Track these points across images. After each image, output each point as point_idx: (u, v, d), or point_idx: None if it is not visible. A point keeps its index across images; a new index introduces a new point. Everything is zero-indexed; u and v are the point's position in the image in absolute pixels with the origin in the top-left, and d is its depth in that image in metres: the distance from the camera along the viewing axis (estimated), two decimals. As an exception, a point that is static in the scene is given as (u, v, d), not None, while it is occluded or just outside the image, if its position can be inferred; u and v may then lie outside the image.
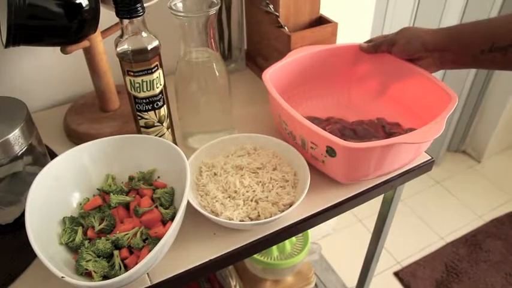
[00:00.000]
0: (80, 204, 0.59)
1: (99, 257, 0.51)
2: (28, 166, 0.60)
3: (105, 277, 0.50)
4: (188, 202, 0.55)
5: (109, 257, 0.52)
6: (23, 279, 0.55)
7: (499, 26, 0.60)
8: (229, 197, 0.60)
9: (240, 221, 0.57)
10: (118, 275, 0.46)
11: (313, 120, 0.78)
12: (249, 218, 0.58)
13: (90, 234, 0.55)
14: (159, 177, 0.62)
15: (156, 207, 0.57)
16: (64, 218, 0.56)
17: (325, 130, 0.60)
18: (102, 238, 0.53)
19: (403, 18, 1.46)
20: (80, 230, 0.54)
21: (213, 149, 0.67)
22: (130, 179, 0.62)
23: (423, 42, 0.67)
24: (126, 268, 0.51)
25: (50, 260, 0.45)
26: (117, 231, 0.54)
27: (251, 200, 0.60)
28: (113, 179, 0.62)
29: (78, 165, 0.60)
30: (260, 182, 0.62)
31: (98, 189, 0.61)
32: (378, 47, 0.73)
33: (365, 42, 0.76)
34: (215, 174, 0.64)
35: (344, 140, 0.57)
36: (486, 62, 0.61)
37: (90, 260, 0.50)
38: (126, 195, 0.59)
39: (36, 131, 0.61)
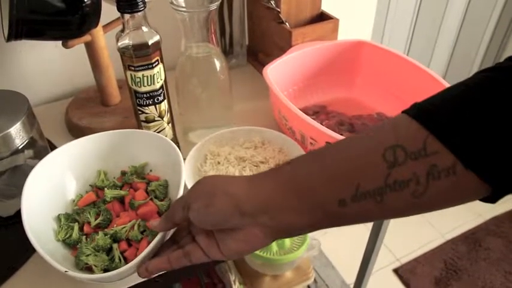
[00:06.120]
0: (74, 201, 0.59)
1: (98, 251, 0.52)
2: (29, 159, 0.60)
3: (106, 270, 0.50)
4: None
5: (108, 250, 0.52)
6: (24, 272, 0.55)
7: (363, 154, 0.34)
8: None
9: None
10: (119, 268, 0.46)
11: (313, 108, 0.78)
12: None
13: (86, 230, 0.55)
14: (151, 170, 0.63)
15: (151, 199, 0.58)
16: (59, 215, 0.56)
17: (322, 124, 0.60)
18: (100, 233, 0.53)
19: (406, 14, 1.46)
20: (76, 227, 0.54)
21: (221, 138, 0.68)
22: (123, 173, 0.62)
23: (235, 202, 0.38)
24: (126, 260, 0.51)
25: (51, 256, 0.46)
26: (114, 225, 0.54)
27: None
28: (105, 174, 0.62)
29: (70, 162, 0.59)
30: None
31: (90, 185, 0.61)
32: (171, 217, 0.44)
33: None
34: (218, 163, 0.65)
35: (340, 134, 0.57)
36: (352, 216, 0.35)
37: (90, 254, 0.51)
38: (120, 190, 0.60)
39: (37, 124, 0.61)
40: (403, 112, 0.33)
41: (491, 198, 0.31)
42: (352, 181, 0.33)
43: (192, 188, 0.43)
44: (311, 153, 0.38)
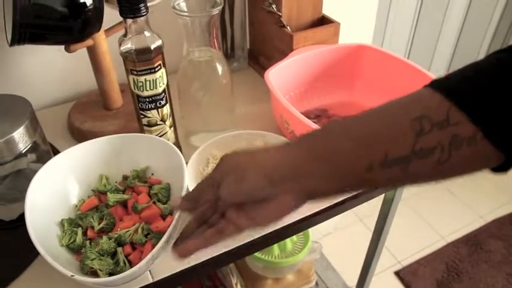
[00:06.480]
0: (76, 206, 0.59)
1: (103, 255, 0.52)
2: (32, 163, 0.61)
3: (111, 274, 0.51)
4: None
5: (113, 254, 0.53)
6: (27, 275, 0.56)
7: (387, 125, 0.36)
8: None
9: None
10: (124, 271, 0.46)
11: (315, 112, 0.78)
12: None
13: (90, 234, 0.55)
14: (152, 174, 0.63)
15: (154, 203, 0.58)
16: (62, 220, 0.56)
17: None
18: (104, 238, 0.53)
19: (406, 17, 1.46)
20: (79, 231, 0.55)
21: (223, 142, 0.68)
22: (125, 177, 0.63)
23: (265, 173, 0.39)
24: (131, 264, 0.52)
25: (56, 261, 0.46)
26: (118, 229, 0.54)
27: None
28: (107, 179, 0.62)
29: (72, 167, 0.60)
30: None
31: (92, 190, 0.61)
32: (197, 197, 0.44)
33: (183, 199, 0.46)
34: None
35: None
36: (378, 181, 0.37)
37: (95, 258, 0.51)
38: (123, 194, 0.60)
39: (40, 128, 0.62)
40: (424, 87, 0.35)
41: (505, 167, 0.33)
42: (380, 149, 0.35)
43: (218, 166, 0.43)
44: (339, 122, 0.39)
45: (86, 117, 0.78)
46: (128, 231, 0.54)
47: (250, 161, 0.41)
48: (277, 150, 0.41)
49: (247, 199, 0.41)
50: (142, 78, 0.59)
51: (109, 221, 0.56)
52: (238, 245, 0.58)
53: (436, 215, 1.74)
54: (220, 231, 0.43)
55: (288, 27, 0.81)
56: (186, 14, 0.61)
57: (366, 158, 0.35)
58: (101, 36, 0.71)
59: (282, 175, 0.39)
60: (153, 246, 0.50)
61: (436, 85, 0.35)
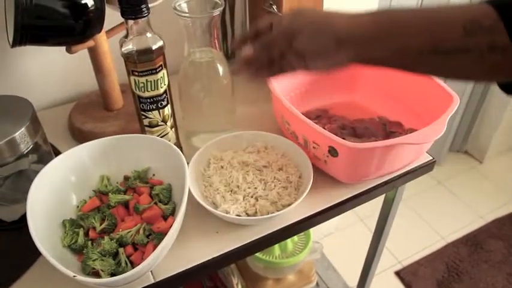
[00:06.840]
0: (78, 207, 0.59)
1: (104, 256, 0.52)
2: (33, 164, 0.61)
3: (113, 275, 0.51)
4: (190, 197, 0.56)
5: (114, 255, 0.53)
6: (29, 276, 0.56)
7: (445, 20, 0.42)
8: (230, 191, 0.62)
9: (237, 215, 0.58)
10: (126, 272, 0.47)
11: (316, 112, 0.78)
12: (246, 213, 0.59)
13: (92, 235, 0.55)
14: (154, 174, 0.63)
15: (156, 203, 0.58)
16: (64, 221, 0.56)
17: (325, 128, 0.60)
18: (106, 238, 0.53)
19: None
20: (81, 232, 0.55)
21: (224, 143, 0.68)
22: (126, 178, 0.63)
23: (338, 33, 0.44)
24: (132, 264, 0.52)
25: (58, 260, 0.46)
26: (119, 230, 0.55)
27: (251, 197, 0.61)
28: (108, 179, 0.63)
29: (73, 168, 0.60)
30: (263, 180, 0.63)
31: (93, 190, 0.62)
32: (268, 41, 0.50)
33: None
34: (222, 167, 0.65)
35: (342, 138, 0.58)
36: (422, 66, 0.44)
37: (97, 259, 0.51)
38: (124, 194, 0.60)
39: (41, 129, 0.62)
40: (481, 2, 0.41)
41: None
42: (434, 37, 0.41)
43: (292, 17, 0.48)
44: (409, 10, 0.44)
45: (86, 118, 0.78)
46: (130, 231, 0.54)
47: (326, 20, 0.46)
48: (352, 17, 0.45)
49: (313, 51, 0.46)
50: (143, 79, 0.59)
51: (111, 222, 0.56)
52: (239, 245, 0.58)
53: (436, 215, 1.74)
54: (280, 67, 0.50)
55: (289, 28, 0.81)
56: (187, 15, 0.61)
57: (420, 41, 0.41)
58: (102, 37, 0.71)
59: (350, 39, 0.44)
60: (155, 246, 0.50)
61: (491, 0, 0.40)
